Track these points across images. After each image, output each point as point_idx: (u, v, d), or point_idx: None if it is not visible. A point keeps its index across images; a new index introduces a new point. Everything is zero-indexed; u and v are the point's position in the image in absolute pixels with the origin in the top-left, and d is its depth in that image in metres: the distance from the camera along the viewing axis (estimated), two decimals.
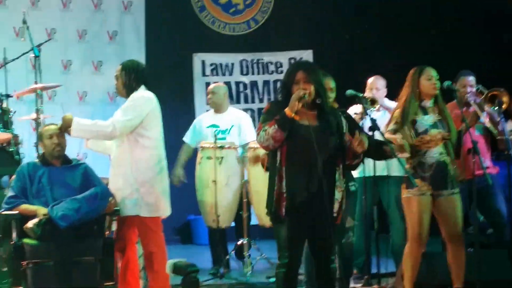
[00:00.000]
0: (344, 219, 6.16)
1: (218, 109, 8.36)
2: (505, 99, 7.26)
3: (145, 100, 6.20)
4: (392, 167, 7.29)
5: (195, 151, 8.35)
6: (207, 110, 9.94)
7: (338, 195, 5.27)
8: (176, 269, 6.48)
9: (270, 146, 5.19)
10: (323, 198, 5.09)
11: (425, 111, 6.21)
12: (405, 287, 6.22)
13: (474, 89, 7.30)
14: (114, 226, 6.34)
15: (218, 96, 8.37)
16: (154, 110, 6.23)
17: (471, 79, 7.34)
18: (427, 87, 6.20)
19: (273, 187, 5.21)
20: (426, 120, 6.18)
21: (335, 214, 5.26)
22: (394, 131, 6.16)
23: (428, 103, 6.23)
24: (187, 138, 8.45)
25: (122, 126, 6.08)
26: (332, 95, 6.21)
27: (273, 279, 6.61)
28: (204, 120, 8.41)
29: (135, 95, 6.20)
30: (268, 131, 5.13)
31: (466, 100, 7.13)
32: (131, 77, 6.25)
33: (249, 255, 7.88)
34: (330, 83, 6.25)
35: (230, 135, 8.14)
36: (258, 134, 5.23)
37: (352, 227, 6.33)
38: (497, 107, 7.10)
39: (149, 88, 6.29)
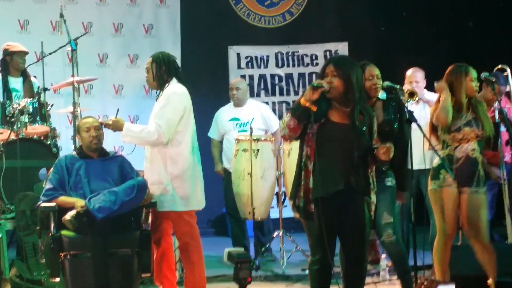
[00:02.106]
0: (380, 216, 6.18)
1: (239, 103, 8.42)
2: None
3: (179, 96, 6.21)
4: (429, 160, 7.23)
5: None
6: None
7: (373, 197, 5.25)
8: (230, 257, 6.53)
9: (286, 135, 5.15)
10: (352, 197, 5.08)
11: (459, 109, 6.15)
12: (438, 278, 6.19)
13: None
14: (150, 219, 6.37)
15: (242, 91, 8.54)
16: (187, 105, 6.25)
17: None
18: (469, 89, 6.13)
19: (299, 181, 5.18)
20: (463, 117, 6.13)
21: (372, 217, 5.24)
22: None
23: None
24: (212, 133, 8.53)
25: (166, 130, 6.09)
26: (379, 82, 6.16)
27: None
28: (225, 113, 8.49)
29: (167, 90, 6.21)
30: (284, 120, 5.12)
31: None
32: (162, 70, 6.27)
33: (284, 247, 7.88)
34: (373, 70, 6.17)
35: (251, 127, 8.14)
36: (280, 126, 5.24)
37: (390, 224, 6.26)
38: None
39: (180, 79, 6.30)
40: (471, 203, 6.06)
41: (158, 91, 6.31)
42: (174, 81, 6.27)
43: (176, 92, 6.22)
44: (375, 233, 6.53)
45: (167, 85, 6.25)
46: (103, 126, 6.31)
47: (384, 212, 6.14)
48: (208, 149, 8.49)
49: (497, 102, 7.05)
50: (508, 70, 7.35)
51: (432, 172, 6.15)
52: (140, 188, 6.17)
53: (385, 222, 6.20)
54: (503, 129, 7.04)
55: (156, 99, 6.30)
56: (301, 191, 5.17)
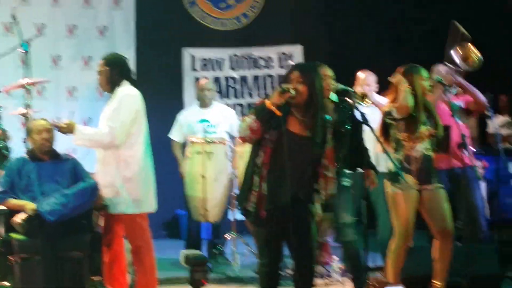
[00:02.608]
0: (338, 216, 6.27)
1: (207, 105, 8.41)
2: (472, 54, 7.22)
3: (131, 98, 6.19)
4: (380, 163, 7.29)
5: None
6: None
7: (318, 207, 5.28)
8: (187, 259, 6.52)
9: (247, 137, 5.13)
10: (299, 207, 5.12)
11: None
12: (389, 279, 6.23)
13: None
14: (102, 221, 6.34)
15: (213, 92, 8.56)
16: (140, 108, 6.22)
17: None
18: (422, 88, 6.19)
19: (249, 185, 5.16)
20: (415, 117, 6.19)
21: (318, 217, 5.29)
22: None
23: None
24: (174, 136, 8.50)
25: (119, 133, 6.06)
26: (331, 82, 6.23)
27: None
28: (192, 115, 8.44)
29: (120, 93, 6.18)
30: (246, 120, 5.10)
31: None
32: (115, 72, 6.23)
33: (237, 249, 7.89)
34: (326, 71, 6.21)
35: (219, 129, 8.15)
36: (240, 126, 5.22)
37: (350, 224, 6.29)
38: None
39: (132, 82, 6.27)
40: (435, 199, 6.13)
41: (110, 94, 6.27)
42: (126, 83, 6.24)
43: (129, 94, 6.19)
44: (334, 232, 6.60)
45: (119, 87, 6.22)
46: (55, 128, 6.27)
47: (343, 212, 6.23)
48: (160, 151, 8.47)
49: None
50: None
51: (390, 176, 6.18)
52: (92, 190, 6.15)
53: (344, 222, 6.28)
54: None
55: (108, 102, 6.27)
56: (253, 196, 5.16)
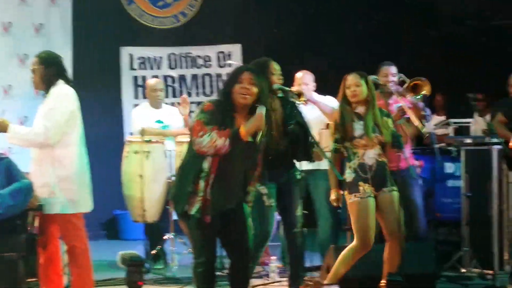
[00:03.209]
0: (293, 208, 6.36)
1: (158, 105, 8.39)
2: (426, 88, 7.37)
3: (66, 97, 6.10)
4: (319, 161, 7.32)
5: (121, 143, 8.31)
6: (136, 105, 9.92)
7: (248, 209, 5.32)
8: (123, 260, 6.46)
9: (209, 153, 5.08)
10: (238, 209, 5.18)
11: (360, 117, 6.24)
12: (328, 278, 6.25)
13: (396, 78, 7.41)
14: (37, 222, 6.25)
15: (163, 92, 8.53)
16: (75, 107, 6.14)
17: (393, 68, 7.45)
18: (348, 95, 6.25)
19: (195, 189, 5.12)
20: (361, 125, 6.22)
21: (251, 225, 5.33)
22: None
23: (362, 108, 6.26)
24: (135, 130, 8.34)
25: (53, 132, 5.96)
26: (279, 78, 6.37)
27: None
28: (148, 115, 8.36)
29: (55, 91, 6.08)
30: (214, 140, 5.00)
31: (388, 90, 7.23)
32: (50, 71, 6.13)
33: (175, 249, 7.84)
34: (276, 65, 6.39)
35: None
36: (200, 136, 5.05)
37: (300, 216, 6.36)
38: (419, 97, 7.20)
39: (67, 81, 6.18)
40: (388, 201, 6.16)
41: (45, 92, 6.17)
42: (61, 82, 6.15)
43: (64, 94, 6.10)
44: (283, 224, 6.63)
45: (54, 86, 6.13)
46: None
47: (296, 205, 6.31)
48: (99, 150, 8.39)
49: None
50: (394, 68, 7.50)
51: (349, 185, 6.18)
52: (26, 191, 6.05)
53: (298, 215, 6.34)
54: None
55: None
56: (197, 201, 5.11)
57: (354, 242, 6.19)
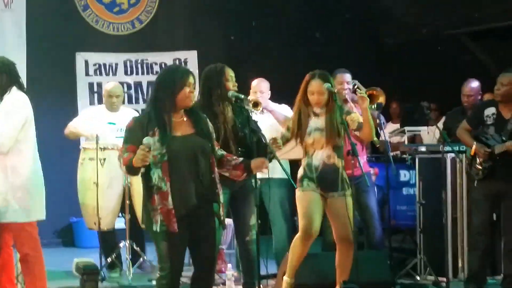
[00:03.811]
0: (246, 216, 6.37)
1: (115, 109, 8.29)
2: (381, 98, 7.46)
3: (22, 104, 6.02)
4: (273, 169, 7.30)
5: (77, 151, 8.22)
6: None
7: (221, 198, 5.27)
8: (78, 268, 6.39)
9: (129, 173, 5.13)
10: (204, 207, 5.12)
11: (316, 115, 6.30)
12: (287, 274, 6.31)
13: (350, 86, 7.47)
14: None
15: (121, 98, 8.36)
16: (29, 114, 6.08)
17: (347, 76, 7.51)
18: (311, 100, 6.31)
19: (153, 205, 5.06)
20: (314, 123, 6.28)
21: (222, 218, 5.27)
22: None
23: (319, 109, 6.31)
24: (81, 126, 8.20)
25: (6, 140, 5.87)
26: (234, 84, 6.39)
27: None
28: (101, 115, 8.25)
29: (8, 98, 6.00)
30: (121, 164, 5.05)
31: (343, 97, 7.30)
32: (4, 77, 6.05)
33: (131, 258, 7.79)
34: (231, 71, 6.44)
35: None
36: (119, 156, 5.11)
37: (254, 225, 6.32)
38: (374, 106, 7.27)
39: (20, 87, 6.10)
40: (338, 206, 6.22)
41: None
42: (14, 88, 6.07)
43: (18, 100, 6.03)
44: (235, 232, 6.62)
45: (7, 93, 6.05)
46: None
47: (250, 213, 6.31)
48: (53, 156, 8.33)
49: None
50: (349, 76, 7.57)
51: (298, 180, 6.31)
52: None
53: (251, 223, 6.35)
54: None
55: None
56: (157, 215, 5.07)
57: (299, 232, 6.27)
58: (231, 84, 6.40)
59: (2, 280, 6.14)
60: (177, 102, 5.11)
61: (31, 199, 6.02)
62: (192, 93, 5.16)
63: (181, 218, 5.05)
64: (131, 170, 5.01)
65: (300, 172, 6.33)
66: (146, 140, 4.89)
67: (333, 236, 6.36)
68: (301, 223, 6.28)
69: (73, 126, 8.20)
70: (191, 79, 5.17)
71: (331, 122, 6.27)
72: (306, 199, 6.26)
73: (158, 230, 5.04)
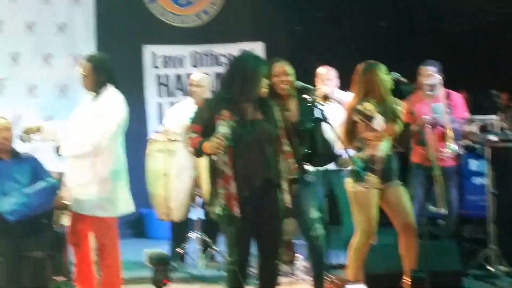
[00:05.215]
0: (306, 211, 6.28)
1: (199, 101, 8.26)
2: None
3: (117, 105, 6.10)
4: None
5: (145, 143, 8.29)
6: (159, 103, 9.98)
7: (285, 185, 5.28)
8: (149, 259, 6.48)
9: (193, 153, 5.20)
10: (269, 191, 5.12)
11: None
12: (349, 276, 6.28)
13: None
14: (64, 220, 6.27)
15: (204, 89, 8.27)
16: (124, 114, 6.15)
17: (431, 68, 7.46)
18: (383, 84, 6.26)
19: (216, 190, 5.15)
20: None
21: (287, 205, 5.28)
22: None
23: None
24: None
25: (101, 142, 5.96)
26: (286, 78, 6.24)
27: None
28: (186, 110, 8.24)
29: (105, 98, 6.06)
30: (187, 145, 5.14)
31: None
32: (102, 77, 6.10)
33: (203, 248, 7.84)
34: (280, 67, 6.25)
35: None
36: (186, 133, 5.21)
37: (316, 219, 6.31)
38: None
39: (116, 84, 6.17)
40: (397, 195, 6.20)
41: (93, 96, 6.13)
42: (110, 87, 6.12)
43: (115, 102, 6.09)
44: (299, 228, 6.61)
45: (104, 91, 6.11)
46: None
47: (309, 207, 6.23)
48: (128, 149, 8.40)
49: None
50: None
51: (352, 174, 6.21)
52: (52, 189, 6.10)
53: (312, 217, 6.27)
54: None
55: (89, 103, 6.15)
56: (219, 199, 5.13)
57: (356, 233, 6.28)
58: (277, 79, 6.19)
59: (83, 270, 6.24)
60: (250, 88, 5.13)
61: (118, 194, 6.10)
62: (265, 81, 5.18)
63: (245, 203, 5.08)
64: (198, 153, 5.05)
65: (360, 165, 6.20)
66: (223, 129, 4.94)
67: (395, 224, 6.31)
68: (361, 225, 6.23)
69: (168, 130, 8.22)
70: (264, 68, 5.19)
71: (386, 112, 6.22)
72: (367, 198, 6.18)
73: (221, 213, 5.11)
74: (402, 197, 6.22)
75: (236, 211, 5.10)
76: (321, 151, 6.03)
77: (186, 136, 5.15)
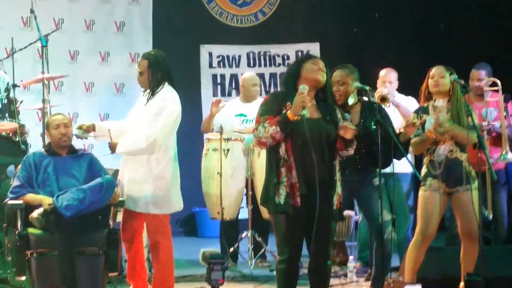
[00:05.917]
0: (378, 214, 6.20)
1: (249, 100, 8.30)
2: None
3: (173, 104, 6.14)
4: (397, 164, 7.21)
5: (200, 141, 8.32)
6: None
7: (339, 187, 5.31)
8: (204, 257, 6.52)
9: (268, 144, 5.20)
10: (324, 191, 5.13)
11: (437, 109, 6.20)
12: (406, 278, 6.22)
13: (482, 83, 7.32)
14: (119, 217, 6.33)
15: (255, 88, 8.32)
16: (179, 112, 6.20)
17: (482, 72, 7.36)
18: (429, 85, 6.20)
19: (279, 179, 5.17)
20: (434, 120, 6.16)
21: (335, 207, 5.27)
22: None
23: (440, 101, 6.20)
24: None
25: (158, 140, 6.04)
26: (342, 88, 6.30)
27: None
28: (232, 107, 8.28)
29: (161, 96, 6.11)
30: (268, 130, 5.12)
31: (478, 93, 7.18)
32: (159, 75, 6.16)
33: (253, 247, 7.86)
34: (338, 77, 6.28)
35: None
36: (256, 128, 5.21)
37: (389, 221, 6.28)
38: None
39: (172, 83, 6.21)
40: (464, 200, 6.09)
41: (149, 94, 6.21)
42: (166, 85, 6.18)
43: (170, 100, 6.14)
44: (371, 232, 6.58)
45: (160, 89, 6.18)
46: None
47: (383, 209, 6.14)
48: (177, 147, 8.42)
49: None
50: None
51: (422, 178, 6.20)
52: (108, 186, 6.12)
53: (385, 220, 6.20)
54: None
55: (145, 101, 6.22)
56: (282, 188, 5.16)
57: (416, 234, 6.19)
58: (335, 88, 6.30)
59: (136, 266, 6.31)
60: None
61: (169, 191, 6.15)
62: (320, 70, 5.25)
63: (302, 197, 5.09)
64: (286, 127, 5.09)
65: (424, 170, 6.19)
66: (302, 87, 5.09)
67: (458, 230, 6.25)
68: (421, 225, 6.17)
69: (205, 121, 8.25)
70: (319, 64, 5.31)
71: (452, 116, 6.15)
72: (426, 200, 6.13)
73: (282, 202, 5.13)
74: (467, 203, 6.08)
75: (297, 201, 5.13)
76: (383, 153, 5.98)
77: (260, 127, 5.15)
